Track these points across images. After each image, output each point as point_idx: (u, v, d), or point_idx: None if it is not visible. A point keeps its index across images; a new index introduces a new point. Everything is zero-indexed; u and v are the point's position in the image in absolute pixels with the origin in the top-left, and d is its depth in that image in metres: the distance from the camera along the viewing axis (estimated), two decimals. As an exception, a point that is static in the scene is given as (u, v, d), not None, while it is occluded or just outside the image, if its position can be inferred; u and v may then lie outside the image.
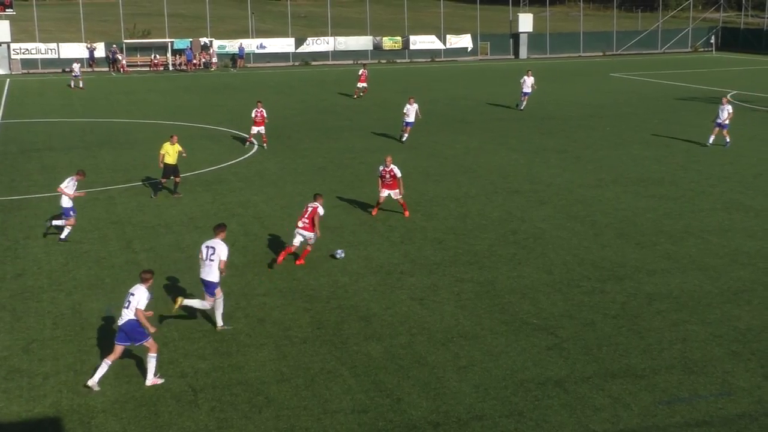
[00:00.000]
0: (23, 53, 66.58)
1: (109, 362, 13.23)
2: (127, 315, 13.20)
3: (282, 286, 17.74)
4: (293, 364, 14.02)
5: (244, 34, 75.91)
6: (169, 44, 69.25)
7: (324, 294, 17.29)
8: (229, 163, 30.49)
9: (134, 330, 13.18)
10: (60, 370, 13.81)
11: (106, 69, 67.23)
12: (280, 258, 18.82)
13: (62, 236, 20.82)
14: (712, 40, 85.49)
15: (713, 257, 19.48)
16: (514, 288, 17.55)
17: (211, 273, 15.23)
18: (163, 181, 25.45)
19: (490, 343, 14.78)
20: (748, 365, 13.90)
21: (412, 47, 77.03)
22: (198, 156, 30.49)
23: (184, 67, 68.42)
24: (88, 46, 67.40)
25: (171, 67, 68.69)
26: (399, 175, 22.67)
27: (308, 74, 65.77)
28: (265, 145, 32.85)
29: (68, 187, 20.88)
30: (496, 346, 14.68)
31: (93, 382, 13.12)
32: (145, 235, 21.48)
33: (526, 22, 78.81)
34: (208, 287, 15.30)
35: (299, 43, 74.21)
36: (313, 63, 73.57)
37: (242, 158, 31.33)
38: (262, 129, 32.77)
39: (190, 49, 68.87)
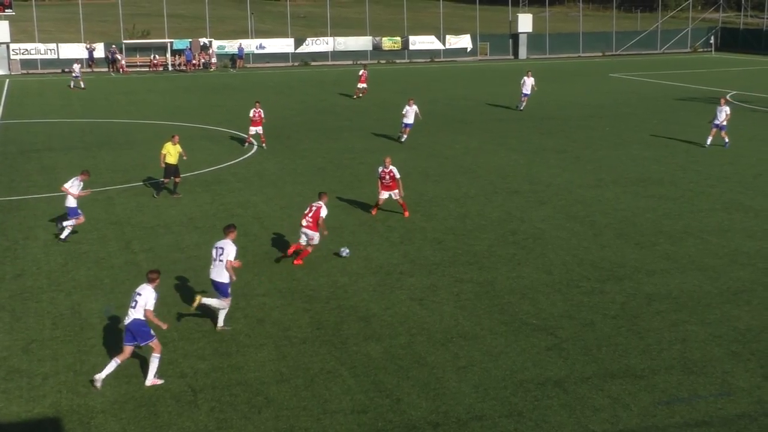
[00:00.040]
0: (23, 54, 66.59)
1: (119, 361, 13.30)
2: (133, 315, 13.24)
3: (281, 286, 17.73)
4: (293, 365, 14.02)
5: (243, 34, 75.91)
6: (169, 44, 69.26)
7: (323, 294, 17.29)
8: (229, 163, 30.49)
9: (140, 330, 13.22)
10: (59, 371, 13.81)
11: (106, 69, 67.22)
12: (290, 251, 18.99)
13: (62, 236, 20.82)
14: (712, 41, 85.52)
15: (713, 257, 19.49)
16: (514, 288, 17.55)
17: (221, 274, 15.27)
18: (165, 181, 25.46)
19: (489, 344, 14.78)
20: (747, 365, 13.91)
21: (411, 47, 77.05)
22: (197, 156, 30.47)
23: (183, 68, 68.43)
24: (88, 46, 67.39)
25: (170, 68, 68.70)
26: (398, 176, 22.67)
27: (308, 74, 65.78)
28: (264, 145, 32.85)
29: (73, 186, 20.89)
30: (496, 346, 14.68)
31: (99, 376, 13.16)
32: (144, 236, 21.48)
33: (525, 22, 78.84)
34: (219, 288, 15.32)
35: (299, 43, 74.22)
36: (313, 63, 73.58)
37: (241, 159, 31.32)
38: (260, 129, 32.78)
39: (190, 49, 68.88)
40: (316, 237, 18.84)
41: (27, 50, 66.83)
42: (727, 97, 38.66)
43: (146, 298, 13.23)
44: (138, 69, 68.34)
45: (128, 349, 13.35)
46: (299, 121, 40.75)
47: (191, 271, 18.52)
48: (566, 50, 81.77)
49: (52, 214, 23.41)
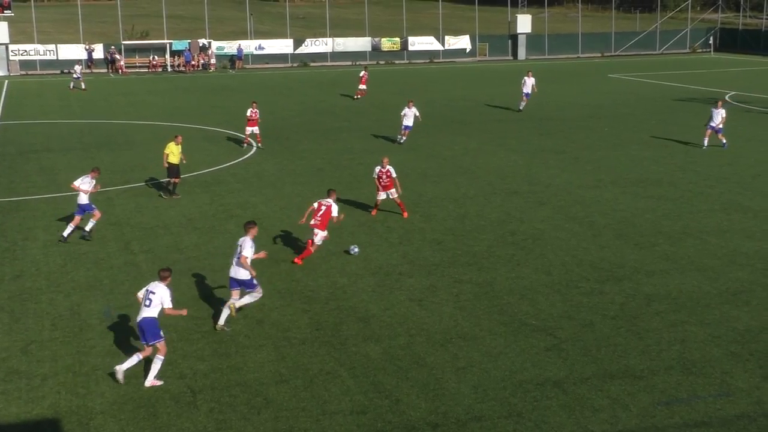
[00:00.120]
0: (21, 55, 66.60)
1: (141, 357, 13.44)
2: (146, 312, 13.36)
3: (280, 287, 17.73)
4: (292, 366, 14.02)
5: (242, 35, 75.92)
6: (168, 45, 69.28)
7: (323, 295, 17.29)
8: (228, 164, 30.49)
9: (151, 328, 13.31)
10: (58, 372, 13.81)
11: (105, 70, 67.21)
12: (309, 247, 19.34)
13: (64, 234, 20.86)
14: (711, 41, 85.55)
15: (712, 258, 19.49)
16: (513, 289, 17.56)
17: (238, 271, 15.45)
18: (172, 181, 25.45)
19: (488, 344, 14.78)
20: (746, 366, 13.91)
21: (410, 48, 77.06)
22: (196, 157, 30.47)
23: (182, 69, 68.42)
24: (87, 47, 67.39)
25: (169, 69, 68.70)
26: (395, 175, 22.73)
27: (307, 75, 65.79)
28: (260, 144, 32.98)
29: (83, 183, 20.95)
30: (495, 347, 14.68)
31: (121, 368, 13.27)
32: (143, 237, 21.48)
33: (524, 23, 78.88)
34: (243, 284, 15.50)
35: (298, 44, 74.23)
36: (312, 64, 73.59)
37: (240, 159, 31.33)
38: (255, 129, 32.96)
39: (189, 50, 68.89)
40: (320, 235, 19.01)
41: (26, 51, 66.84)
42: (726, 98, 38.66)
43: (162, 296, 13.42)
44: (137, 70, 68.34)
45: (148, 348, 13.47)
46: (298, 121, 40.76)
47: (190, 271, 18.53)
48: (565, 51, 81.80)
49: (52, 214, 23.43)
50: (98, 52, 67.95)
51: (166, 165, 25.32)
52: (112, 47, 68.13)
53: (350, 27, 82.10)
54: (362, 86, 49.31)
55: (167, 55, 68.99)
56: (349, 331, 15.41)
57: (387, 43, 76.55)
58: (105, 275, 18.56)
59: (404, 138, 34.24)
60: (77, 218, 20.97)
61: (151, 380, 13.30)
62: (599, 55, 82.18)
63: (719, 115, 32.69)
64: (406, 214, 22.98)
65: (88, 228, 20.98)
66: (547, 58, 79.51)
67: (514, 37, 79.34)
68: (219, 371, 13.82)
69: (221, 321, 15.46)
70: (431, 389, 13.14)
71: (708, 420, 12.21)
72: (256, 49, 73.00)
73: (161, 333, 13.40)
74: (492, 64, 75.51)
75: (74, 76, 55.42)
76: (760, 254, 19.73)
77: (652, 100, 48.41)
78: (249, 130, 33.09)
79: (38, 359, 14.30)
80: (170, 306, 13.49)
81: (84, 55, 66.51)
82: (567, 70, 67.84)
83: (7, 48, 65.04)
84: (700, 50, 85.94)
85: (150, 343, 13.36)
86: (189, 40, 70.08)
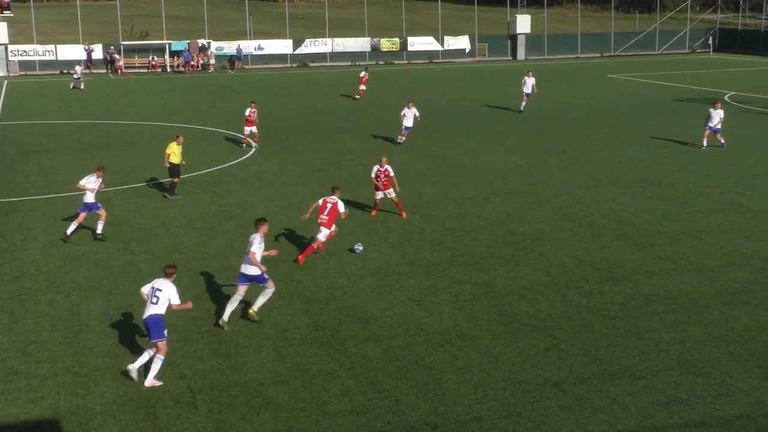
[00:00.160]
0: (21, 55, 66.58)
1: (152, 353, 13.49)
2: (152, 310, 13.44)
3: (280, 287, 17.67)
4: (291, 366, 14.01)
5: (242, 35, 75.92)
6: (167, 46, 69.28)
7: (322, 295, 17.29)
8: (227, 164, 30.49)
9: (156, 325, 13.35)
10: (58, 372, 13.80)
11: (104, 71, 67.19)
12: (321, 247, 19.53)
13: (68, 232, 20.86)
14: (710, 42, 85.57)
15: (711, 258, 19.50)
16: (513, 289, 17.56)
17: (248, 267, 15.58)
18: (173, 181, 25.46)
19: (488, 345, 14.78)
20: (746, 366, 13.91)
21: (410, 48, 77.07)
22: (196, 157, 30.46)
23: (181, 69, 68.41)
24: (86, 47, 67.37)
25: (169, 69, 68.69)
26: (392, 174, 22.79)
27: (306, 76, 65.78)
28: (256, 143, 33.23)
29: (89, 182, 21.02)
30: (495, 347, 14.68)
31: (133, 367, 13.36)
32: (142, 237, 21.48)
33: (523, 23, 78.90)
34: (254, 279, 15.62)
35: (297, 44, 74.23)
36: (311, 64, 73.59)
37: (240, 160, 31.33)
38: (254, 129, 33.18)
39: (188, 50, 68.87)
40: (324, 233, 19.26)
41: (25, 52, 66.81)
42: (725, 98, 38.67)
43: (169, 293, 13.55)
44: (136, 70, 68.33)
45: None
46: (298, 122, 40.76)
47: (190, 272, 18.52)
48: (564, 51, 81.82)
49: (51, 215, 23.43)
50: (97, 52, 67.93)
51: (168, 165, 25.32)
52: (112, 47, 68.13)
53: (349, 27, 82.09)
54: (362, 86, 49.32)
55: (166, 56, 68.98)
56: (348, 332, 15.41)
57: (386, 44, 76.56)
58: (104, 276, 18.56)
59: (403, 138, 34.23)
60: (82, 215, 21.02)
61: (150, 380, 13.31)
62: (598, 55, 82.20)
63: (717, 116, 32.71)
64: (404, 214, 22.98)
65: (99, 230, 21.03)
66: (546, 59, 79.52)
67: (514, 38, 79.37)
68: (218, 372, 13.82)
69: (225, 316, 15.50)
70: (431, 389, 13.14)
71: (707, 420, 12.22)
72: (255, 49, 73.00)
73: (165, 332, 13.45)
74: (491, 64, 75.52)
75: (75, 76, 55.42)
76: (759, 254, 19.74)
77: (651, 100, 48.42)
78: (247, 129, 33.29)
79: (38, 360, 14.30)
80: (178, 302, 13.64)
81: (83, 56, 66.48)
82: (566, 71, 67.85)
83: (6, 48, 65.03)
84: (700, 50, 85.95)
85: (152, 341, 13.39)
86: (188, 41, 70.07)
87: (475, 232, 21.73)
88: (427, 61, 76.68)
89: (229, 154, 32.47)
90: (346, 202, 24.31)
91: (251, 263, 15.51)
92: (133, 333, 15.36)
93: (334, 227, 19.53)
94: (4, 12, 64.74)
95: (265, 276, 15.69)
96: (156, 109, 46.22)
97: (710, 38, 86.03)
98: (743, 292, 17.34)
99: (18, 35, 68.98)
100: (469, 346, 14.70)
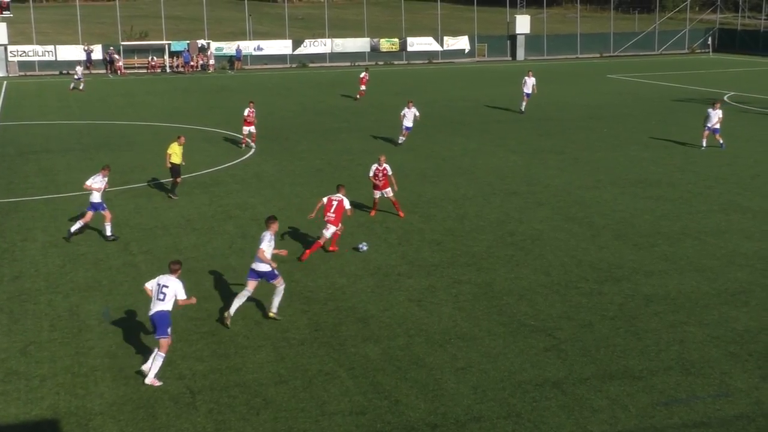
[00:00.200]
0: (20, 55, 66.56)
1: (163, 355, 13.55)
2: (159, 306, 13.48)
3: (280, 287, 17.72)
4: (291, 366, 14.02)
5: (241, 36, 75.90)
6: (167, 46, 69.28)
7: (322, 296, 17.29)
8: (226, 165, 30.49)
9: (162, 322, 13.39)
10: (57, 373, 13.80)
11: (104, 71, 67.18)
12: (331, 248, 19.74)
13: (72, 229, 20.89)
14: (709, 42, 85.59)
15: (711, 258, 19.50)
16: (512, 289, 17.56)
17: (259, 263, 15.71)
18: (175, 180, 25.47)
19: (488, 345, 14.78)
20: (745, 366, 13.91)
21: (409, 49, 77.06)
22: (195, 158, 30.45)
23: (181, 69, 68.41)
24: (85, 48, 67.36)
25: (168, 69, 68.68)
26: (390, 173, 22.84)
27: (306, 76, 65.78)
28: (253, 143, 33.31)
29: (95, 182, 21.03)
30: (494, 347, 14.68)
31: (147, 367, 13.44)
32: (142, 237, 21.48)
33: (523, 23, 78.91)
34: (264, 276, 15.76)
35: (296, 45, 74.23)
36: (311, 65, 73.59)
37: (239, 160, 31.33)
38: (252, 129, 33.29)
39: (188, 51, 68.87)
40: (331, 230, 19.49)
41: (25, 52, 66.79)
42: (725, 98, 38.66)
43: (176, 289, 13.59)
44: (136, 71, 68.33)
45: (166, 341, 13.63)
46: (297, 122, 40.76)
47: (189, 272, 18.49)
48: (564, 51, 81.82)
49: (51, 215, 23.44)
50: (97, 52, 67.91)
51: (169, 165, 25.33)
52: (111, 48, 68.10)
53: (349, 28, 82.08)
54: (362, 87, 49.34)
55: (166, 56, 68.98)
56: (348, 332, 15.41)
57: (386, 44, 76.55)
58: (104, 276, 18.56)
59: (403, 138, 34.23)
60: (89, 215, 21.06)
61: (151, 378, 13.31)
62: (598, 55, 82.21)
63: (716, 116, 32.72)
64: (402, 214, 22.99)
65: (109, 232, 21.02)
66: (545, 59, 79.53)
67: (513, 38, 79.37)
68: (218, 372, 13.82)
69: (231, 310, 15.61)
70: (430, 390, 13.14)
71: (707, 420, 12.22)
72: (254, 49, 72.99)
73: (169, 330, 13.49)
74: (491, 64, 75.53)
75: (75, 77, 55.42)
76: (759, 255, 19.74)
77: (651, 100, 48.43)
78: (246, 129, 33.37)
79: (37, 360, 14.30)
80: (184, 297, 13.71)
81: (83, 56, 66.46)
82: (566, 71, 67.85)
83: (5, 49, 65.01)
84: (699, 51, 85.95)
85: (156, 337, 13.42)
86: (188, 41, 70.07)
87: (475, 232, 21.74)
88: (426, 61, 76.69)
89: (229, 154, 32.48)
90: (346, 203, 24.40)
91: (261, 260, 15.59)
92: (133, 333, 15.36)
93: (340, 225, 19.70)
94: (4, 12, 64.72)
95: (276, 272, 15.82)
96: (155, 109, 46.22)
97: (709, 38, 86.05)
98: (743, 292, 17.35)
99: (17, 36, 68.97)
100: (468, 347, 14.70)
